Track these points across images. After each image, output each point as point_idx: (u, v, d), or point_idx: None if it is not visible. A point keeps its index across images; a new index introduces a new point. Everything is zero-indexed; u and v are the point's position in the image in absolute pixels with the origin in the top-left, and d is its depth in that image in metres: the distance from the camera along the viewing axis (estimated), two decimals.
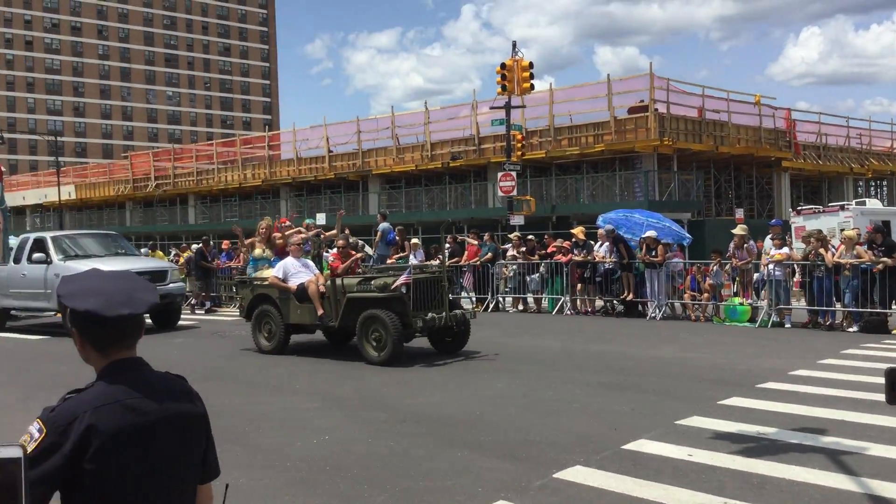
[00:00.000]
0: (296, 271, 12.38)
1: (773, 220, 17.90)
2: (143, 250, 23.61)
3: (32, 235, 17.75)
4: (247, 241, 14.17)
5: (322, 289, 11.99)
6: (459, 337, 12.13)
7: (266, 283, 12.70)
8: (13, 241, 19.68)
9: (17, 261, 16.91)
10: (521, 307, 19.14)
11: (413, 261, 17.91)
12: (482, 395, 9.11)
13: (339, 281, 11.96)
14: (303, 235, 14.46)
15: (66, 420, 1.98)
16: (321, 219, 35.71)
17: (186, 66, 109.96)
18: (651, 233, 17.13)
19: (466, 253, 20.29)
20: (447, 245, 22.78)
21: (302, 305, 12.19)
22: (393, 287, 11.23)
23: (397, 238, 20.31)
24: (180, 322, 17.20)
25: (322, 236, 15.70)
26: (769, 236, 15.87)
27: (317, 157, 41.71)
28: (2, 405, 9.07)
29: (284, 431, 7.55)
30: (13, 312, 17.91)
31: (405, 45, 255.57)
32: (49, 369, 11.90)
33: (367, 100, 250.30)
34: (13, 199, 49.00)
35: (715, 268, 16.25)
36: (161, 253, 26.06)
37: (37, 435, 1.97)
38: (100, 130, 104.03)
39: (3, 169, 21.94)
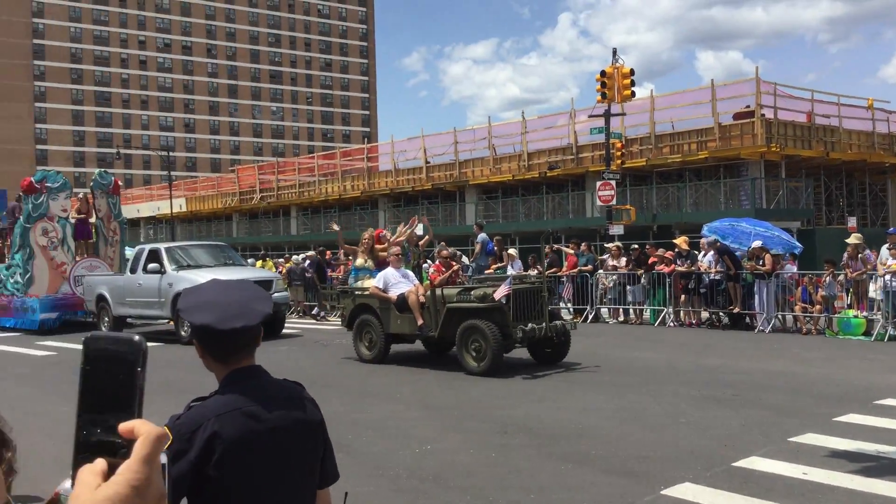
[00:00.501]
0: (396, 282, 12.46)
1: (891, 229, 16.98)
2: (249, 261, 24.39)
3: (147, 246, 18.51)
4: (348, 249, 14.32)
5: (422, 299, 12.05)
6: (559, 348, 12.02)
7: (367, 293, 12.84)
8: (129, 252, 20.71)
9: (132, 271, 17.72)
10: (620, 318, 18.78)
11: (511, 271, 17.82)
12: (585, 407, 8.96)
13: (438, 291, 12.03)
14: (402, 238, 14.40)
15: (190, 428, 2.04)
16: (419, 229, 36.05)
17: (290, 82, 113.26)
18: (758, 242, 16.52)
19: (566, 263, 20.07)
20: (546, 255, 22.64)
21: (402, 315, 12.27)
22: (495, 298, 11.17)
23: (496, 248, 20.27)
24: (284, 330, 17.62)
25: (419, 245, 15.78)
26: (886, 245, 15.07)
27: (414, 168, 42.18)
28: None
29: (388, 440, 7.61)
30: (129, 320, 18.74)
31: (501, 56, 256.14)
32: (162, 376, 12.36)
33: (463, 111, 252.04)
34: (129, 211, 51.31)
35: (828, 279, 15.53)
36: (270, 262, 26.83)
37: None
38: (209, 145, 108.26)
39: (119, 183, 23.14)
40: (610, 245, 20.49)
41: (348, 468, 6.76)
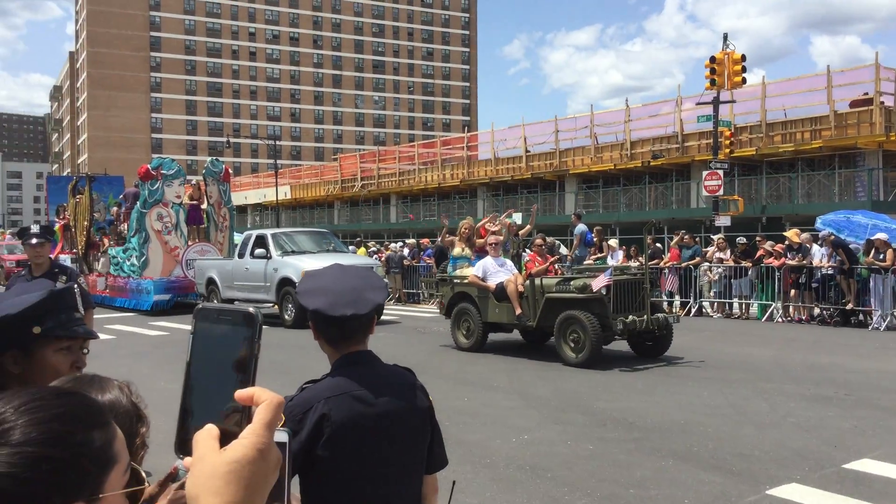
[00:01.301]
0: (495, 270, 12.42)
1: None
2: (350, 248, 24.85)
3: (255, 232, 19.10)
4: (447, 240, 14.33)
5: (520, 288, 11.95)
6: (661, 341, 11.74)
7: (465, 281, 12.85)
8: (237, 238, 21.45)
9: (240, 255, 18.36)
10: (726, 313, 18.22)
11: (611, 262, 17.54)
12: (688, 402, 8.74)
13: (538, 281, 11.90)
14: (498, 228, 14.22)
15: (302, 409, 2.11)
16: (517, 218, 35.91)
17: (392, 72, 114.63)
18: (882, 235, 15.70)
19: (669, 254, 19.61)
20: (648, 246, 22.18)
21: (500, 304, 12.23)
22: (594, 289, 11.01)
23: (595, 239, 20.00)
24: (382, 317, 17.88)
25: (519, 234, 15.62)
26: None
27: (514, 157, 42.02)
28: None
29: (485, 428, 7.64)
30: (236, 303, 19.41)
31: (604, 42, 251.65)
32: (267, 356, 12.76)
33: (563, 98, 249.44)
34: (237, 198, 53.10)
35: None
36: (363, 249, 27.26)
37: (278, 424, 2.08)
38: (313, 135, 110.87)
39: (229, 171, 23.96)
40: (716, 237, 19.88)
41: (447, 455, 6.82)
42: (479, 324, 12.62)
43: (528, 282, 12.06)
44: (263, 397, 0.90)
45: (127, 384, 1.63)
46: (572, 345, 11.11)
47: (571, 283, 11.52)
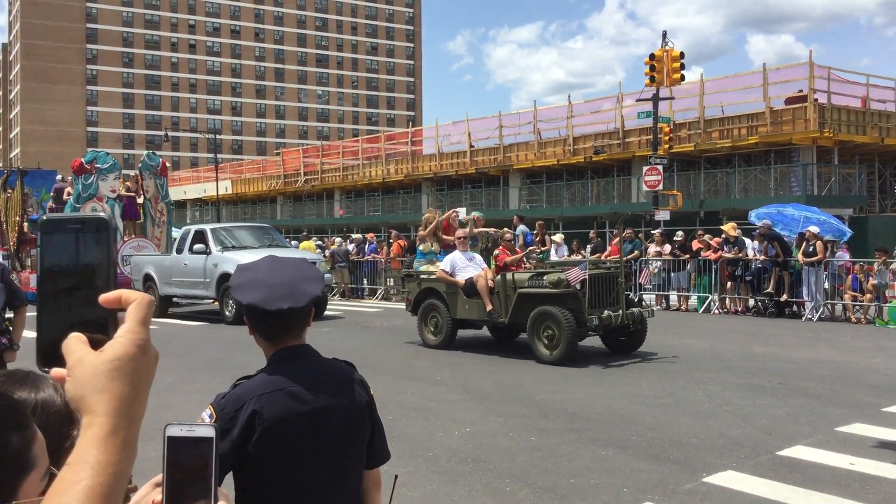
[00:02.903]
0: (463, 265, 12.05)
1: None
2: (293, 243, 24.58)
3: (193, 227, 18.74)
4: (419, 234, 13.66)
5: (491, 284, 11.64)
6: (635, 336, 11.54)
7: (433, 276, 12.47)
8: (175, 233, 21.04)
9: (179, 251, 18.00)
10: (664, 305, 18.55)
11: (554, 257, 17.69)
12: (627, 393, 8.87)
13: (509, 276, 11.56)
14: (470, 231, 13.44)
15: (234, 407, 2.05)
16: (462, 213, 35.98)
17: (336, 66, 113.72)
18: (814, 228, 16.14)
19: (610, 248, 19.87)
20: (590, 240, 22.43)
21: (470, 300, 11.89)
22: (568, 283, 10.74)
23: (535, 240, 20.17)
24: (326, 312, 17.75)
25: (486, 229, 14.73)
26: None
27: (458, 153, 42.10)
28: (165, 386, 9.65)
29: (428, 422, 7.63)
30: (175, 300, 19.06)
31: (546, 39, 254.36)
32: (207, 353, 12.59)
33: (507, 94, 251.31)
34: (175, 193, 52.09)
35: (879, 267, 15.14)
36: (311, 242, 26.96)
37: (208, 420, 2.04)
38: (254, 129, 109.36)
39: (167, 165, 23.48)
40: (655, 231, 20.22)
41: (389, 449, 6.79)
42: (447, 320, 12.25)
43: (499, 277, 11.73)
44: (132, 297, 0.89)
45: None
46: (546, 341, 10.84)
47: (545, 277, 11.24)
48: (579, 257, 20.75)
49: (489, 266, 12.42)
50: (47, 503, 0.80)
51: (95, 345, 0.87)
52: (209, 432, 1.09)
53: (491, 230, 14.33)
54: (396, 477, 2.34)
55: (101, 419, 0.83)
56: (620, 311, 11.03)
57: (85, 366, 0.85)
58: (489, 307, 11.51)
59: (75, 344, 0.86)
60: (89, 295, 0.89)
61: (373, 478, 2.31)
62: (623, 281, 11.41)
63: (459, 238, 12.35)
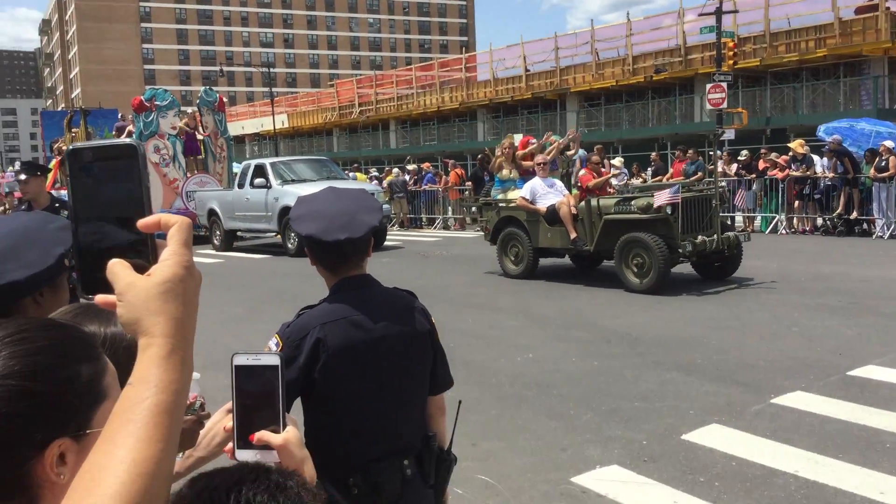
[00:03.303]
0: (544, 192, 11.53)
1: None
2: (350, 174, 24.68)
3: (254, 162, 18.91)
4: (497, 162, 12.94)
5: (574, 210, 11.13)
6: (730, 262, 10.97)
7: (513, 205, 12.01)
8: (236, 168, 21.30)
9: (240, 186, 18.24)
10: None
11: (615, 182, 17.38)
12: (691, 316, 8.77)
13: (594, 202, 11.00)
14: (555, 146, 13.01)
15: (299, 335, 2.09)
16: (517, 139, 35.54)
17: None
18: (888, 142, 15.47)
19: (672, 170, 19.45)
20: (651, 163, 21.97)
21: (552, 228, 11.41)
22: (657, 206, 10.17)
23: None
24: (386, 242, 17.88)
25: (566, 153, 13.95)
26: None
27: (513, 77, 41.36)
28: (233, 317, 9.91)
29: (491, 349, 7.68)
30: (239, 233, 19.41)
31: None
32: (271, 285, 12.85)
33: (562, 14, 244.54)
34: (233, 128, 52.52)
35: None
36: (362, 174, 27.04)
37: (274, 348, 2.09)
38: (307, 61, 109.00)
39: (224, 100, 23.63)
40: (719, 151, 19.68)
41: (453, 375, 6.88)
42: (528, 249, 11.82)
43: (582, 203, 11.16)
44: (172, 220, 0.89)
45: None
46: (636, 269, 10.31)
47: (633, 202, 10.65)
48: (640, 181, 20.37)
49: (570, 192, 12.03)
50: (114, 422, 0.82)
51: (136, 269, 0.87)
52: (274, 360, 1.12)
53: (570, 152, 13.72)
54: (460, 402, 2.37)
55: (159, 339, 0.84)
56: (715, 236, 10.45)
57: (137, 289, 0.85)
58: (573, 235, 11.04)
59: (121, 269, 0.87)
60: (125, 221, 0.89)
61: (437, 403, 2.34)
62: (718, 203, 10.81)
63: (540, 164, 11.84)
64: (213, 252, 18.42)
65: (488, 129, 41.96)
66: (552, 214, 11.32)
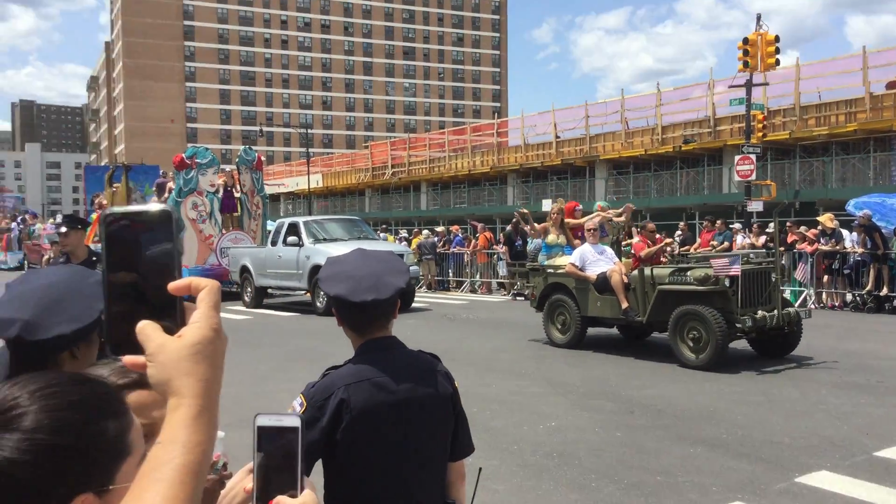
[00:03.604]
0: (594, 259, 11.35)
1: None
2: (381, 235, 24.96)
3: (287, 220, 19.25)
4: (538, 227, 12.72)
5: (625, 279, 10.93)
6: (789, 339, 10.48)
7: (561, 271, 11.78)
8: (270, 226, 21.68)
9: (273, 243, 18.56)
10: None
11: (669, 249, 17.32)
12: (717, 389, 8.73)
13: (648, 271, 10.69)
14: (603, 216, 12.77)
15: (323, 396, 2.14)
16: (546, 205, 35.81)
17: (422, 58, 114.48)
18: None
19: (699, 240, 19.48)
20: (678, 233, 22.01)
21: (602, 297, 11.13)
22: (718, 277, 9.79)
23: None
24: (413, 304, 17.99)
25: (616, 219, 13.67)
26: None
27: (544, 143, 41.86)
28: (259, 375, 10.03)
29: (513, 415, 7.70)
30: (269, 290, 19.65)
31: (634, 25, 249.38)
32: (299, 344, 12.98)
33: (593, 83, 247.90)
34: (270, 187, 53.43)
35: None
36: (391, 236, 27.34)
37: (298, 409, 2.14)
38: (344, 122, 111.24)
39: (262, 159, 24.18)
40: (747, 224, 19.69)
41: (474, 441, 6.89)
42: (576, 318, 11.51)
43: (635, 272, 10.89)
44: (202, 284, 0.93)
45: None
46: (691, 344, 9.92)
47: (689, 273, 10.27)
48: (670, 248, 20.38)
49: (620, 259, 11.84)
50: (143, 481, 0.85)
51: (165, 331, 0.91)
52: (295, 422, 1.13)
53: (620, 218, 13.31)
54: (480, 469, 2.41)
55: (189, 400, 0.88)
56: (776, 311, 10.05)
57: (168, 351, 0.89)
58: (625, 305, 10.72)
59: (153, 331, 0.91)
60: (155, 284, 0.92)
61: (457, 469, 2.35)
62: (779, 277, 10.39)
63: (590, 230, 11.64)
64: (243, 308, 18.65)
65: (518, 193, 42.32)
66: (603, 282, 11.06)
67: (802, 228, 17.97)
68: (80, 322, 1.69)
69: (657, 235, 12.90)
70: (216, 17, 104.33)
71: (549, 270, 12.07)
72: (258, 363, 10.81)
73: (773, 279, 10.35)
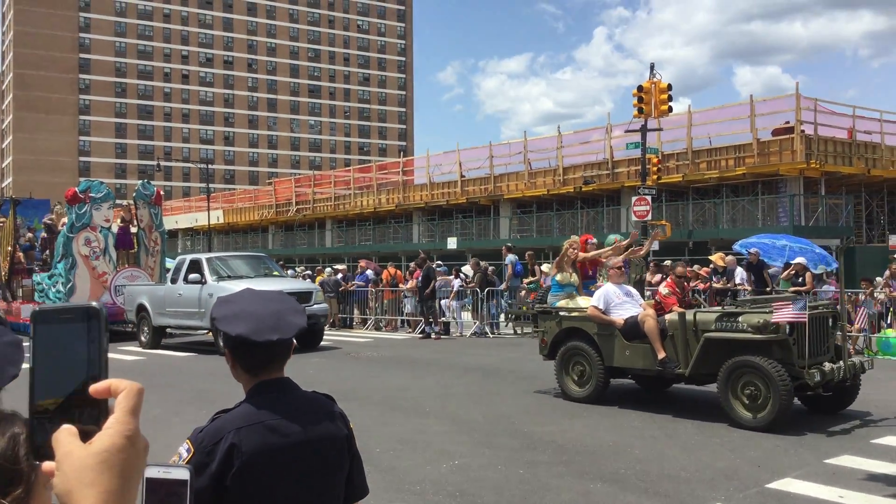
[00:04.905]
0: (619, 301, 10.01)
1: None
2: (289, 272, 24.55)
3: (189, 257, 18.65)
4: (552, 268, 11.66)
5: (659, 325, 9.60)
6: (846, 392, 9.28)
7: (580, 315, 10.43)
8: (169, 263, 21.03)
9: (173, 281, 17.92)
10: None
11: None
12: (617, 425, 8.90)
13: (690, 316, 9.31)
14: (626, 253, 11.66)
15: (212, 441, 2.05)
16: (452, 243, 36.13)
17: (328, 97, 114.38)
18: (801, 259, 16.23)
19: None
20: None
21: (631, 345, 9.76)
22: (778, 324, 8.50)
23: (528, 265, 20.32)
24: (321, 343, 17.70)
25: (638, 254, 12.52)
26: None
27: (449, 182, 42.31)
28: (151, 418, 9.63)
29: (416, 454, 7.62)
30: (168, 330, 18.95)
31: (535, 70, 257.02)
32: (195, 385, 12.55)
33: (497, 125, 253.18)
34: (168, 223, 51.72)
35: (866, 298, 15.27)
36: (298, 273, 26.97)
37: (185, 455, 2.04)
38: (247, 158, 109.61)
39: (161, 194, 23.53)
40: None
41: (376, 482, 6.76)
42: (598, 368, 10.01)
43: (673, 316, 9.47)
44: (122, 386, 0.88)
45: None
46: (747, 401, 8.57)
47: (740, 318, 8.88)
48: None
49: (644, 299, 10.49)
50: None
51: (87, 436, 0.86)
52: (184, 475, 1.10)
53: (641, 252, 12.04)
54: None
55: None
56: (842, 363, 8.90)
57: (73, 459, 0.83)
58: (662, 354, 9.32)
59: (65, 437, 0.85)
60: (82, 386, 0.89)
61: None
62: (844, 324, 9.42)
63: (615, 267, 10.36)
64: (138, 349, 17.95)
65: (423, 231, 42.53)
66: (633, 328, 9.69)
67: (696, 266, 18.69)
68: None
69: (685, 283, 11.32)
70: (114, 51, 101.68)
71: (562, 314, 10.67)
72: (151, 406, 10.36)
73: (840, 325, 9.33)
